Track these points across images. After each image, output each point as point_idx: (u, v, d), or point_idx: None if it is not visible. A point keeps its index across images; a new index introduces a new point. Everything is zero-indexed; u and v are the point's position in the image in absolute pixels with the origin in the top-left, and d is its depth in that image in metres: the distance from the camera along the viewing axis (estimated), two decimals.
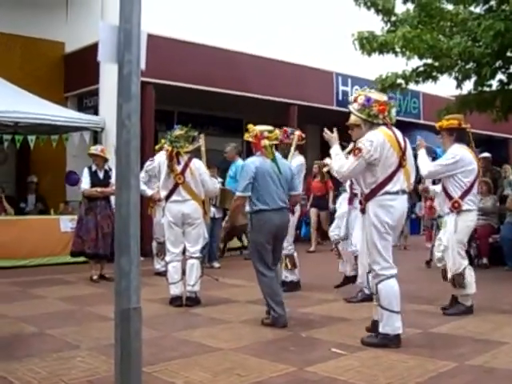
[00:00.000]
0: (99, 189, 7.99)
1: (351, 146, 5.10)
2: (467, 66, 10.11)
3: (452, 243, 5.58)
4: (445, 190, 5.72)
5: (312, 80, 13.98)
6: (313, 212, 12.63)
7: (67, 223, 9.61)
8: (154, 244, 8.69)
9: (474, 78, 10.32)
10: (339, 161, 4.71)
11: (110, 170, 8.01)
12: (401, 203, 4.58)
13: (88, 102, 12.14)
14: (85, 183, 8.07)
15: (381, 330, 4.52)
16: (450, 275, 5.59)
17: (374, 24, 10.39)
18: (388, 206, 4.50)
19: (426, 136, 16.14)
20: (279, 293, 5.35)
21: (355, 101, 4.67)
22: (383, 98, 4.70)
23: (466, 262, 5.65)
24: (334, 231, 6.99)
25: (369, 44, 9.92)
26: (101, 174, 8.16)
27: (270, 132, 5.52)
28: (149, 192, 8.51)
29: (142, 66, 3.44)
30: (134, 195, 3.31)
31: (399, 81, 10.60)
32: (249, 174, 5.33)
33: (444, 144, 5.86)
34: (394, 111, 4.70)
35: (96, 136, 10.71)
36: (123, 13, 3.35)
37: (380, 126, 4.58)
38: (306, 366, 4.09)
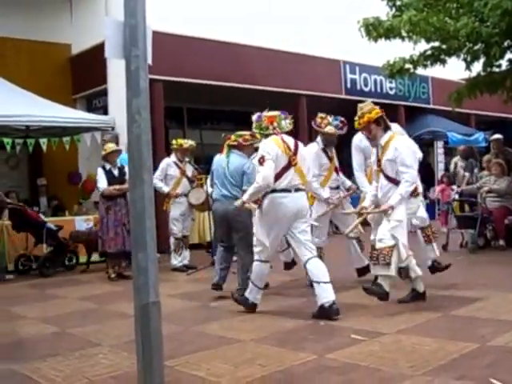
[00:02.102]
0: (117, 186, 8.04)
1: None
2: (475, 47, 9.99)
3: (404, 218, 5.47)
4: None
5: (320, 70, 13.94)
6: None
7: (82, 223, 9.70)
8: (172, 240, 8.73)
9: (482, 59, 10.20)
10: (254, 185, 5.37)
11: (123, 167, 8.04)
12: (293, 200, 5.27)
13: (97, 103, 12.18)
14: (102, 183, 8.11)
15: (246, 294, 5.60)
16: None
17: (380, 10, 10.32)
18: (278, 203, 5.26)
19: (437, 121, 16.19)
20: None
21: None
22: (275, 113, 5.54)
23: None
24: None
25: (375, 30, 9.83)
26: (115, 172, 8.21)
27: (236, 136, 6.44)
28: (165, 189, 8.60)
29: (149, 60, 3.44)
30: (147, 190, 3.32)
31: (407, 66, 10.50)
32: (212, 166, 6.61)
33: (375, 137, 5.46)
34: (283, 122, 5.50)
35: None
36: (128, 8, 3.35)
37: (271, 135, 5.42)
38: (326, 353, 4.09)
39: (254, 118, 5.64)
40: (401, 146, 5.31)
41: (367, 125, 5.40)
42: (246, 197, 5.45)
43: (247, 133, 6.39)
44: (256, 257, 5.53)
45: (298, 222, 5.32)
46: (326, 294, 5.13)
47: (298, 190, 5.34)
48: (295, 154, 5.38)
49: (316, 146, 6.73)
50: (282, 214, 5.27)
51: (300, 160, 5.41)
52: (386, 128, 5.45)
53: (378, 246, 5.16)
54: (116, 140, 9.11)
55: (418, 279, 5.54)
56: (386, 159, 5.33)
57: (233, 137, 6.43)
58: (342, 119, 6.71)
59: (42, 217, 9.30)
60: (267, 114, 5.57)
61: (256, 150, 6.39)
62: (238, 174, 6.27)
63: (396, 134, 5.49)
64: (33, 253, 8.90)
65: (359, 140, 6.53)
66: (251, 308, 5.57)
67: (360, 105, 5.58)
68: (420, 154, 5.90)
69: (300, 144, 5.57)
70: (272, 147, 5.32)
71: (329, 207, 6.58)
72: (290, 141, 5.47)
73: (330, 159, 6.78)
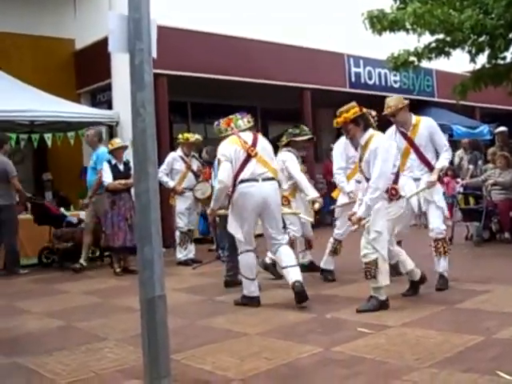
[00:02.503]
0: (122, 181, 8.04)
1: None
2: (480, 39, 9.95)
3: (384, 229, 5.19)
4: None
5: (324, 63, 13.90)
6: None
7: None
8: (177, 234, 8.74)
9: (487, 52, 10.17)
10: (214, 191, 5.88)
11: (129, 162, 8.05)
12: (259, 189, 5.49)
13: (101, 98, 12.18)
14: (107, 177, 8.11)
15: (243, 292, 5.64)
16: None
17: (384, 2, 10.26)
18: (245, 192, 5.49)
19: (441, 114, 16.13)
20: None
21: None
22: (231, 116, 5.94)
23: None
24: None
25: (379, 22, 9.79)
26: (121, 167, 8.22)
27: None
28: (171, 183, 8.62)
29: (154, 54, 3.44)
30: (152, 183, 3.32)
31: (411, 58, 10.47)
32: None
33: (354, 137, 5.34)
34: (240, 122, 5.89)
35: (111, 131, 10.76)
36: (132, 2, 3.35)
37: (229, 135, 5.77)
38: (332, 346, 4.09)
39: (214, 125, 6.11)
40: (377, 149, 5.05)
41: (344, 124, 5.30)
42: (212, 205, 5.83)
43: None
44: (238, 250, 5.69)
45: (267, 212, 5.55)
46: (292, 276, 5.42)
47: (266, 179, 5.55)
48: (254, 145, 5.63)
49: (344, 138, 6.49)
50: (249, 203, 5.49)
51: (260, 150, 5.64)
52: (366, 127, 5.27)
53: (364, 261, 5.10)
54: (99, 136, 8.90)
55: (412, 271, 5.43)
56: (364, 160, 5.18)
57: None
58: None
59: (62, 210, 9.37)
60: (223, 119, 5.98)
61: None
62: None
63: (377, 135, 5.26)
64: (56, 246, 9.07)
65: None
66: (253, 303, 5.58)
67: (387, 99, 5.95)
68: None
69: (260, 137, 5.80)
70: (226, 148, 5.66)
71: (350, 200, 6.40)
72: (248, 136, 5.75)
73: None
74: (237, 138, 5.71)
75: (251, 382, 3.53)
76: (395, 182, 5.16)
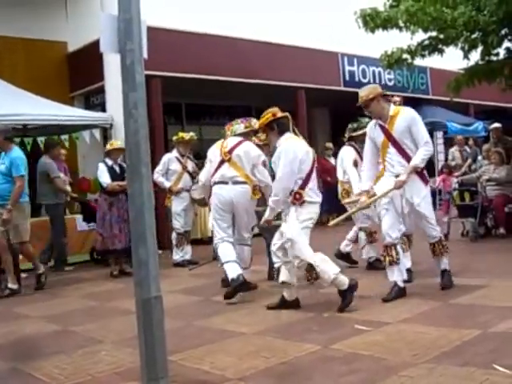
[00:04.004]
0: (121, 183, 8.00)
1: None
2: (473, 36, 9.96)
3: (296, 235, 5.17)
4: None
5: (318, 62, 13.90)
6: None
7: (83, 222, 9.71)
8: (174, 235, 8.72)
9: (480, 48, 10.18)
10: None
11: (124, 163, 8.04)
12: (227, 191, 6.02)
13: (95, 100, 12.14)
14: (106, 178, 8.09)
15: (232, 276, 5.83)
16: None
17: (377, 1, 10.28)
18: (217, 193, 6.09)
19: (436, 111, 16.16)
20: None
21: None
22: (234, 121, 6.41)
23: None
24: None
25: (372, 21, 9.81)
26: (117, 168, 8.20)
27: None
28: (167, 184, 8.60)
29: (145, 55, 3.43)
30: (145, 184, 3.32)
31: (405, 56, 10.49)
32: None
33: (271, 142, 5.56)
34: (236, 126, 6.30)
35: (105, 134, 10.73)
36: (122, 2, 3.34)
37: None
38: (330, 344, 4.10)
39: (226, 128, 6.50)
40: (281, 153, 5.21)
41: (261, 130, 5.67)
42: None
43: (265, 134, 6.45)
44: (217, 243, 6.19)
45: (236, 212, 6.12)
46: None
47: (236, 182, 6.04)
48: (230, 151, 6.09)
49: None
50: (220, 202, 6.08)
51: (235, 156, 6.07)
52: (282, 131, 5.36)
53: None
54: (5, 134, 8.63)
55: (290, 287, 5.30)
56: (272, 162, 5.47)
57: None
58: None
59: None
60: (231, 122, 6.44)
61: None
62: None
63: (289, 139, 5.32)
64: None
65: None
66: (246, 286, 5.86)
67: (360, 89, 5.65)
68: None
69: (245, 144, 6.15)
70: (210, 151, 6.39)
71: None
72: (233, 141, 6.20)
73: None
74: (220, 143, 6.26)
75: (249, 381, 3.52)
76: (302, 186, 5.16)
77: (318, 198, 5.34)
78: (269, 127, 5.42)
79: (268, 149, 6.59)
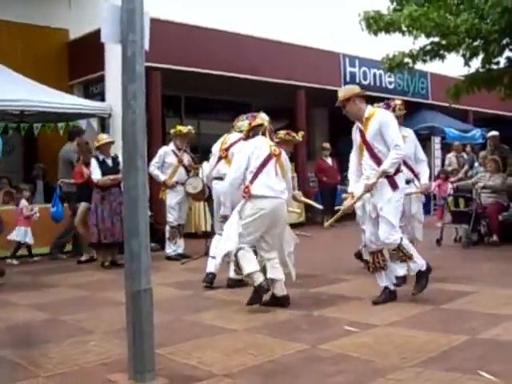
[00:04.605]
0: (112, 176, 8.02)
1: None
2: (475, 44, 9.97)
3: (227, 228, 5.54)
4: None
5: (319, 62, 13.89)
6: None
7: None
8: (167, 228, 8.72)
9: (481, 56, 10.20)
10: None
11: (117, 156, 8.02)
12: (222, 187, 6.08)
13: (94, 89, 12.10)
14: (96, 174, 8.10)
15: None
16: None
17: (381, 3, 10.28)
18: (215, 188, 6.51)
19: (435, 116, 16.18)
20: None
21: None
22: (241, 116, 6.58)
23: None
24: None
25: (375, 23, 9.80)
26: (109, 162, 8.19)
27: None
28: (162, 177, 8.60)
29: (146, 46, 3.43)
30: (141, 177, 3.31)
31: (406, 60, 10.49)
32: None
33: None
34: (240, 123, 6.43)
35: (103, 123, 10.70)
36: None
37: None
38: (318, 343, 4.10)
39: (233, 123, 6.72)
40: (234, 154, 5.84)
41: (244, 138, 5.98)
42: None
43: (282, 132, 6.54)
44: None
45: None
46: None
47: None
48: (227, 148, 6.32)
49: None
50: (216, 197, 6.48)
51: (230, 154, 6.25)
52: (253, 137, 5.69)
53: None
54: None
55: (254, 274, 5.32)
56: None
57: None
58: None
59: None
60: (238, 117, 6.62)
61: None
62: None
63: (250, 141, 5.65)
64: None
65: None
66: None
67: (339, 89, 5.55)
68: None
69: (241, 142, 6.06)
70: (215, 146, 6.67)
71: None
72: (233, 138, 6.45)
73: None
74: (222, 139, 6.52)
75: (236, 377, 3.52)
76: (252, 180, 5.37)
77: (272, 192, 5.35)
78: (247, 136, 5.83)
79: (287, 146, 6.52)
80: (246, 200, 5.35)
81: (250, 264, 5.26)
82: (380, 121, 5.20)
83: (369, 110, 5.32)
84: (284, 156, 5.69)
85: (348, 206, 5.38)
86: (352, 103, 5.30)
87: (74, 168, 8.91)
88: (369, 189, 5.15)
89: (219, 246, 5.69)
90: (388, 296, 5.30)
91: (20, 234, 8.54)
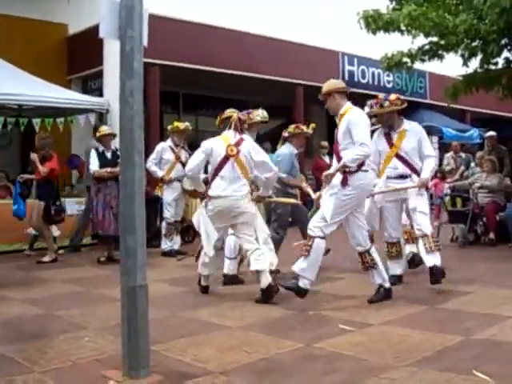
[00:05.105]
0: (109, 169, 7.99)
1: None
2: (473, 44, 9.99)
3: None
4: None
5: (318, 60, 13.89)
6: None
7: (73, 206, 9.62)
8: (164, 224, 8.71)
9: (480, 56, 10.21)
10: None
11: (117, 150, 8.00)
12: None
13: (92, 85, 12.09)
14: (94, 165, 8.08)
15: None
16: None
17: (380, 2, 10.28)
18: None
19: (432, 116, 16.20)
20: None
21: None
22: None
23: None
24: None
25: (374, 22, 9.81)
26: (108, 155, 8.18)
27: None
28: (159, 173, 8.59)
29: (145, 42, 3.42)
30: (138, 172, 3.31)
31: (405, 59, 10.51)
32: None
33: None
34: (256, 115, 6.42)
35: (101, 118, 10.68)
36: None
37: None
38: (313, 342, 4.10)
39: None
40: None
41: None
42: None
43: (292, 126, 6.80)
44: None
45: None
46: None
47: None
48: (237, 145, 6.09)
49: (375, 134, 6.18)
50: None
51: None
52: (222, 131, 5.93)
53: None
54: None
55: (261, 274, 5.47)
56: None
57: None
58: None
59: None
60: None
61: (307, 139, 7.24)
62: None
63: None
64: None
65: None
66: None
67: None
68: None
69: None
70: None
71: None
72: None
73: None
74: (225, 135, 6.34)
75: (230, 374, 3.52)
76: (209, 182, 5.69)
77: (226, 192, 5.54)
78: (219, 128, 6.16)
79: (297, 140, 6.79)
80: (207, 200, 5.69)
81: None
82: (349, 119, 5.16)
83: (345, 107, 5.28)
84: (245, 153, 5.65)
85: (315, 197, 5.72)
86: (332, 98, 5.31)
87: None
88: (325, 180, 5.23)
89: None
90: (383, 294, 5.31)
91: None
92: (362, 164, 5.14)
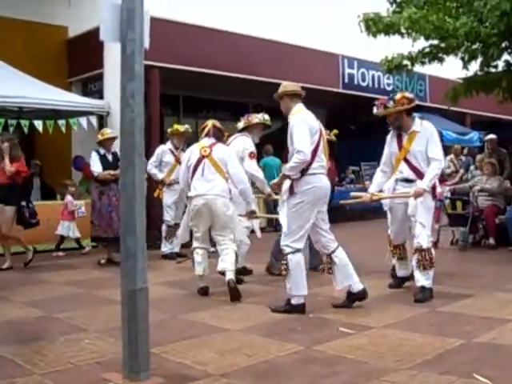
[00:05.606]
0: (112, 171, 7.97)
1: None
2: (473, 47, 10.02)
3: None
4: None
5: (318, 63, 13.89)
6: None
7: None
8: (164, 227, 8.71)
9: (480, 59, 10.23)
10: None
11: (117, 153, 8.00)
12: None
13: (93, 87, 12.09)
14: (97, 167, 8.07)
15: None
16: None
17: (380, 5, 10.31)
18: None
19: (433, 119, 16.12)
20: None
21: None
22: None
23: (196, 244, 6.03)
24: None
25: (374, 25, 9.83)
26: (110, 157, 8.17)
27: None
28: (160, 176, 8.60)
29: (146, 45, 3.42)
30: (138, 174, 3.31)
31: (405, 62, 10.52)
32: None
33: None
34: (238, 124, 7.02)
35: (102, 121, 10.68)
36: None
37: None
38: (313, 345, 4.10)
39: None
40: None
41: None
42: None
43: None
44: None
45: None
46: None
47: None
48: None
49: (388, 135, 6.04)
50: None
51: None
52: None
53: None
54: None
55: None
56: None
57: None
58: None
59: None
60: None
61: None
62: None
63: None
64: None
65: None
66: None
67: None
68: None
69: (235, 140, 6.85)
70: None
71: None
72: (231, 138, 6.96)
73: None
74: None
75: (231, 377, 3.51)
76: (189, 184, 6.01)
77: (200, 191, 5.85)
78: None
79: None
80: (188, 201, 6.04)
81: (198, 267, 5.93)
82: (290, 124, 5.12)
83: (294, 109, 5.23)
84: (218, 154, 5.94)
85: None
86: (283, 101, 5.35)
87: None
88: (272, 189, 5.65)
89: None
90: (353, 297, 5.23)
91: (64, 228, 9.01)
92: (306, 169, 5.02)
